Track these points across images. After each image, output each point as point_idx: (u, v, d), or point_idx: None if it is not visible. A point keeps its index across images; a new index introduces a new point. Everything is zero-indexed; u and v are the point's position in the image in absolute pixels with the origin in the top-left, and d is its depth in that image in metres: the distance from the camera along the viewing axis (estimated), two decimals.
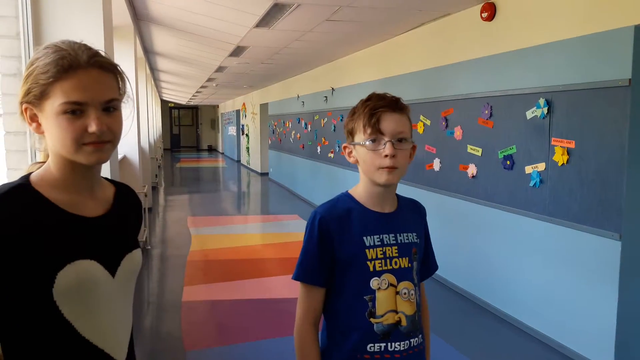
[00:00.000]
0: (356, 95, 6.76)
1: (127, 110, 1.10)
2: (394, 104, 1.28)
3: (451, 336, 3.57)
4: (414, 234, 1.37)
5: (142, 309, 4.19)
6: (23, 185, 0.96)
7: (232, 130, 20.09)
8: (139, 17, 5.64)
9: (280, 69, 8.90)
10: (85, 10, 2.66)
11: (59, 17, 2.62)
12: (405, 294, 1.30)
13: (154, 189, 10.69)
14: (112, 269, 1.03)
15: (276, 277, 5.01)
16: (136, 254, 1.11)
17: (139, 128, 5.92)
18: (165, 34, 6.34)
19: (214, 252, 5.94)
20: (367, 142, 1.27)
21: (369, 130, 1.26)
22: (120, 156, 5.48)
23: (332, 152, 7.87)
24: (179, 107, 26.34)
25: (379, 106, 1.27)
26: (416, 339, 1.32)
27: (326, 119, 8.13)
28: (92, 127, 0.94)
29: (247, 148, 16.26)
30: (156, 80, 13.24)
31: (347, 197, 1.36)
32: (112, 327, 1.03)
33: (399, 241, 1.32)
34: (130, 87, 1.09)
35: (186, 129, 27.59)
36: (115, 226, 1.08)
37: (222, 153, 23.56)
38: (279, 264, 5.54)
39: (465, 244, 4.40)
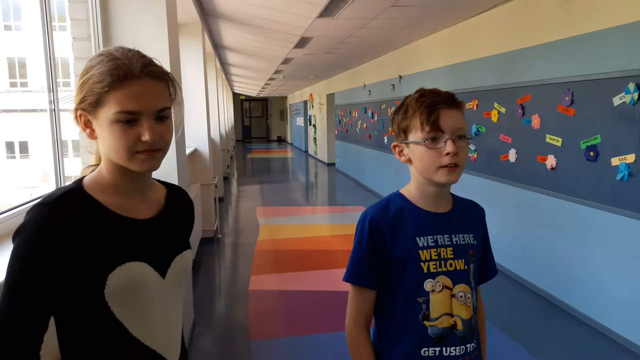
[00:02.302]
0: (425, 82, 6.53)
1: (178, 115, 1.10)
2: (451, 100, 1.22)
3: (523, 336, 3.36)
4: (471, 235, 1.30)
5: (211, 296, 4.32)
6: (76, 189, 0.99)
7: (300, 121, 20.29)
8: (207, 13, 5.76)
9: (345, 58, 8.80)
10: (150, 11, 2.72)
11: (126, 19, 2.70)
12: (461, 297, 1.25)
13: (226, 179, 11.02)
14: (162, 270, 1.04)
15: (343, 269, 4.95)
16: (186, 255, 1.11)
17: (208, 121, 6.09)
18: (232, 28, 6.45)
19: (281, 242, 6.01)
20: (427, 141, 1.20)
21: (427, 128, 1.20)
22: (191, 149, 5.66)
23: None
24: (249, 99, 27.01)
25: (436, 102, 1.20)
26: (472, 344, 1.26)
27: (393, 107, 7.92)
28: (145, 137, 0.96)
29: (315, 139, 16.34)
30: (227, 74, 13.61)
31: (398, 197, 1.31)
32: (163, 327, 1.04)
33: (454, 242, 1.27)
34: (180, 94, 1.09)
35: (257, 120, 28.25)
36: (166, 228, 1.09)
37: (291, 144, 23.89)
38: (346, 255, 5.43)
39: (543, 240, 4.12)
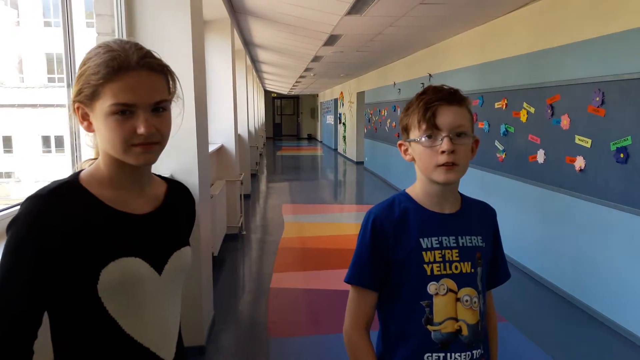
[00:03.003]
0: (455, 81, 6.45)
1: (177, 109, 1.09)
2: (450, 96, 1.18)
3: (544, 338, 3.27)
4: (479, 237, 1.25)
5: (232, 293, 4.37)
6: (71, 182, 0.98)
7: (330, 119, 20.29)
8: (236, 10, 5.83)
9: (375, 56, 8.75)
10: (173, 6, 2.76)
11: (150, 14, 2.75)
12: (467, 301, 1.20)
13: (254, 176, 11.13)
14: (158, 266, 1.02)
15: None
16: (185, 252, 1.09)
17: (235, 118, 6.15)
18: (262, 25, 6.50)
19: (306, 239, 6.02)
20: (423, 139, 1.18)
21: (424, 126, 1.17)
22: (217, 146, 5.74)
23: None
24: (281, 97, 27.17)
25: (434, 99, 1.17)
26: (479, 350, 1.21)
27: None
28: (141, 129, 0.94)
29: (344, 137, 16.32)
30: (258, 72, 13.72)
31: (404, 197, 1.28)
32: (158, 325, 1.02)
33: (461, 244, 1.22)
34: (180, 87, 1.08)
35: (287, 118, 28.40)
36: (164, 223, 1.07)
37: (321, 141, 23.92)
38: None
39: (569, 242, 3.99)
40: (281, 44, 7.84)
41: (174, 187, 1.16)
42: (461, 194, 1.30)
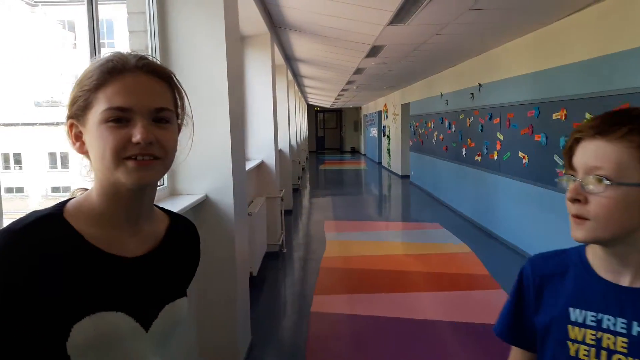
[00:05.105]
0: (507, 91, 6.08)
1: (187, 131, 0.92)
2: (601, 124, 0.88)
3: None
4: None
5: (272, 316, 4.18)
6: (53, 215, 0.80)
7: (373, 132, 20.02)
8: (277, 25, 5.73)
9: (420, 67, 8.46)
10: (207, 22, 2.64)
11: (183, 30, 2.64)
12: None
13: (296, 191, 11.00)
14: (146, 321, 0.84)
15: (417, 294, 4.53)
16: (179, 305, 0.91)
17: (276, 133, 6.02)
18: (303, 39, 6.38)
19: (349, 259, 5.75)
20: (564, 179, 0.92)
21: (565, 163, 0.94)
22: (257, 162, 5.62)
23: (479, 155, 7.20)
24: (324, 110, 27.19)
25: (580, 128, 0.91)
26: None
27: (472, 118, 7.47)
28: (137, 137, 0.77)
29: (388, 150, 16.00)
30: (300, 86, 13.70)
31: (576, 251, 1.00)
32: None
33: (635, 333, 0.87)
34: (189, 105, 0.91)
35: (330, 131, 28.34)
36: (158, 269, 0.89)
37: (364, 155, 23.65)
38: (422, 278, 5.01)
39: None
40: (322, 57, 7.70)
41: (177, 225, 0.98)
42: None
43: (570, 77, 4.56)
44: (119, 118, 0.78)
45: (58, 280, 0.76)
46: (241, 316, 3.08)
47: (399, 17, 4.52)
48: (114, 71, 0.80)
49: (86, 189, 0.90)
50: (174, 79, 0.87)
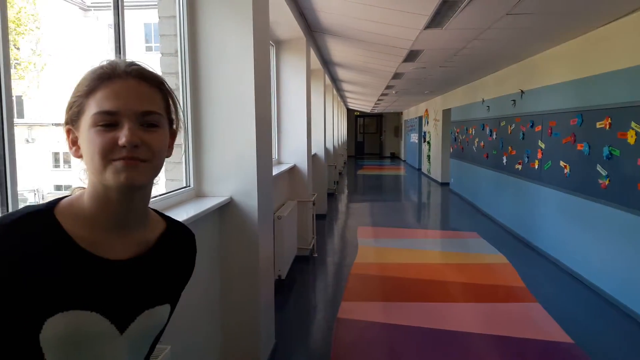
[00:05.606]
0: (549, 98, 5.86)
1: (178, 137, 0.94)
2: None
3: None
4: None
5: (297, 321, 4.16)
6: (42, 212, 0.83)
7: (414, 137, 19.76)
8: (313, 29, 5.74)
9: (461, 72, 8.28)
10: (236, 26, 2.66)
11: (212, 34, 2.68)
12: None
13: (331, 195, 10.96)
14: (121, 324, 0.85)
15: (452, 304, 4.38)
16: (158, 311, 0.91)
17: (309, 138, 6.02)
18: (340, 43, 6.37)
19: (381, 266, 5.65)
20: None
21: None
22: (289, 165, 5.64)
23: (520, 163, 6.97)
24: (364, 115, 27.07)
25: None
26: None
27: (514, 125, 7.25)
28: (122, 139, 0.79)
29: (428, 156, 15.74)
30: (339, 91, 13.68)
31: None
32: None
33: None
34: (181, 112, 0.92)
35: (370, 136, 28.18)
36: (143, 274, 0.89)
37: (404, 161, 23.37)
38: (458, 288, 4.84)
39: None
40: (360, 61, 7.66)
41: (173, 233, 0.97)
42: None
43: (615, 85, 4.35)
44: (108, 122, 0.80)
45: (37, 276, 0.78)
46: (264, 319, 3.08)
47: (436, 21, 4.43)
48: (104, 77, 0.82)
49: (84, 188, 0.92)
50: (166, 85, 0.89)
